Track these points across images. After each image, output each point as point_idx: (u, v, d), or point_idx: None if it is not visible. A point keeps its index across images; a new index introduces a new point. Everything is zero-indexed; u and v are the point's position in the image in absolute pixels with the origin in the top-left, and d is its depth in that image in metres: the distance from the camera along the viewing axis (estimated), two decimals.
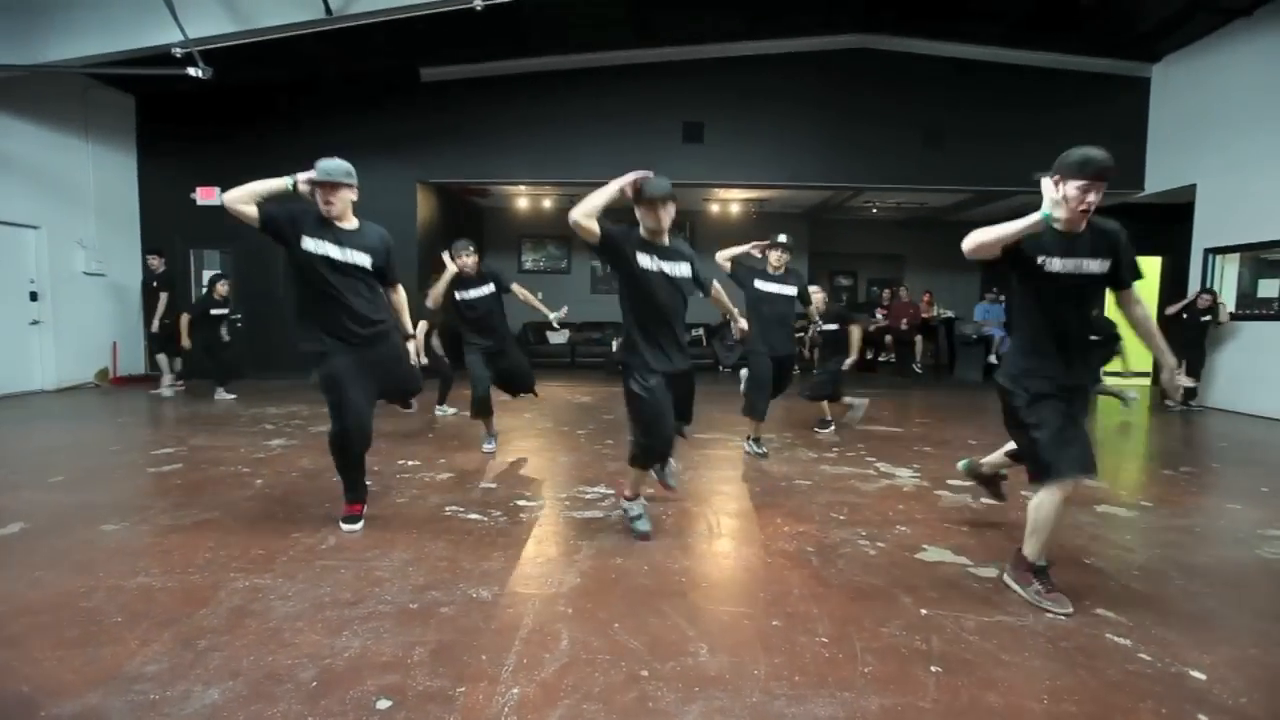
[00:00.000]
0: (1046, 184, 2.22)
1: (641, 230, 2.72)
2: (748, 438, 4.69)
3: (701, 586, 2.44)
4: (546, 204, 11.54)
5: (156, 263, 7.69)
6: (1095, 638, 2.07)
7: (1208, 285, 7.51)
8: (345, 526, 2.93)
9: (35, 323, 7.47)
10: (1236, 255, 7.51)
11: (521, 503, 3.47)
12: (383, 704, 1.66)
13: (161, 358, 7.52)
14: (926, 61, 8.69)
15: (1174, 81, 8.33)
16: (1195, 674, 1.87)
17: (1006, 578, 2.45)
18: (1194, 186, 7.84)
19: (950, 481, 3.99)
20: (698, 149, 8.90)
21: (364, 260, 2.87)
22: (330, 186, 2.77)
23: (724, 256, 4.31)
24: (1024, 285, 2.31)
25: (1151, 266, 9.76)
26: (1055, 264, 2.22)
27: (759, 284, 4.38)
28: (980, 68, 8.67)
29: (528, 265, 12.39)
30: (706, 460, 4.51)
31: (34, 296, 7.46)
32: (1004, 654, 1.97)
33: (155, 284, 7.57)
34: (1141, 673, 1.88)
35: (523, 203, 11.53)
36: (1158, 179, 8.59)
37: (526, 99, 8.89)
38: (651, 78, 8.79)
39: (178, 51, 6.06)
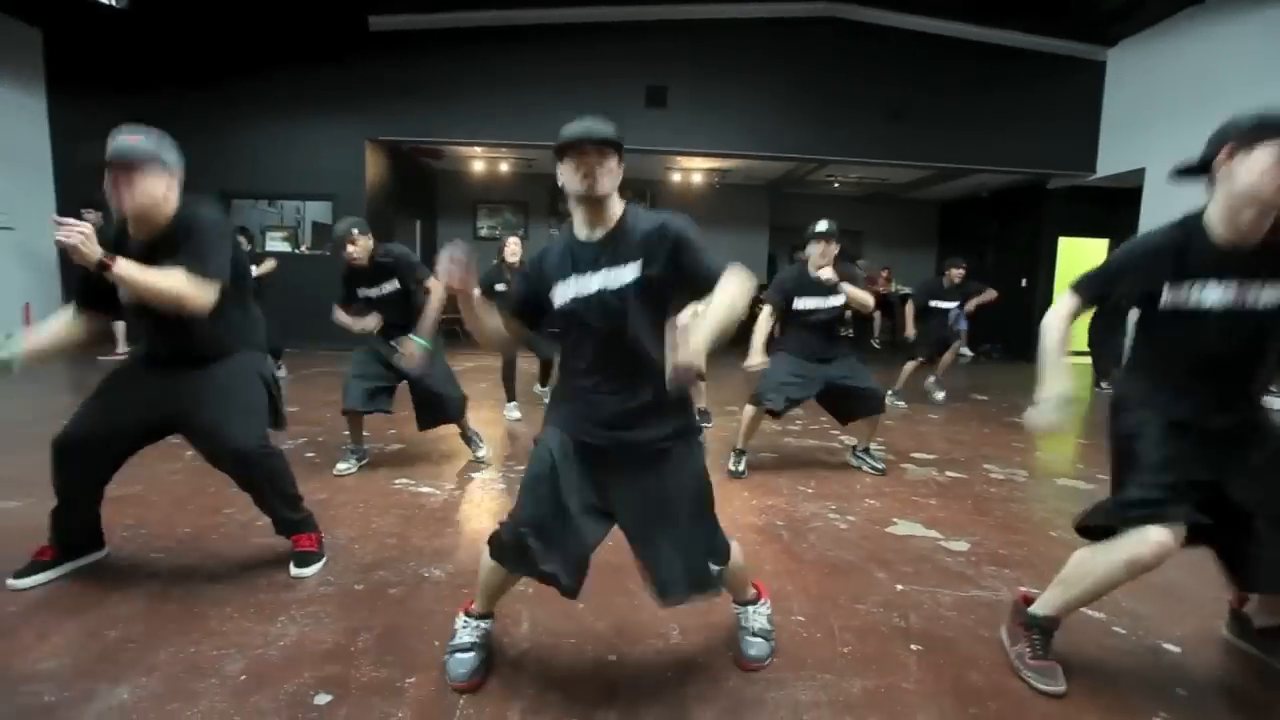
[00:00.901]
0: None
1: (574, 225, 1.56)
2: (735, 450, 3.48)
3: None
4: (503, 168, 11.12)
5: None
6: None
7: None
8: (13, 582, 1.94)
9: None
10: None
11: (478, 475, 3.29)
12: (321, 699, 1.48)
13: (119, 325, 6.93)
14: (893, 35, 8.60)
15: (1128, 66, 8.48)
16: (1169, 647, 1.86)
17: (1003, 631, 1.84)
18: (1143, 171, 8.05)
19: (914, 454, 3.98)
20: (661, 114, 8.65)
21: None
22: (121, 168, 1.77)
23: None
24: (1151, 326, 1.66)
25: (1099, 249, 10.07)
26: (1208, 294, 1.51)
27: (799, 302, 3.37)
28: (945, 44, 8.64)
29: (483, 232, 11.95)
30: None
31: None
32: (983, 629, 1.91)
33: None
34: (1118, 647, 1.86)
35: (478, 166, 11.07)
36: (1109, 162, 8.79)
37: (483, 54, 8.43)
38: (615, 37, 8.45)
39: None
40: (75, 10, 5.87)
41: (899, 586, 2.18)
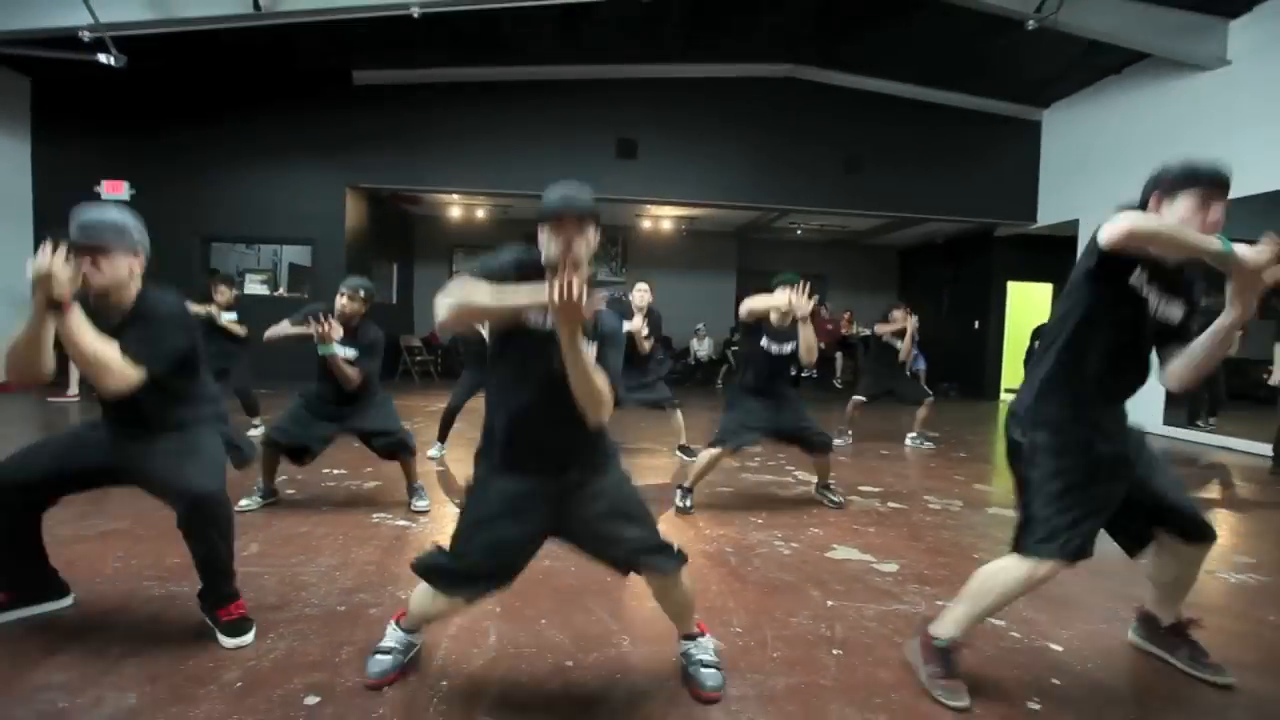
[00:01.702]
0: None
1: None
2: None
3: (626, 585, 2.53)
4: (480, 214, 11.50)
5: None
6: None
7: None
8: None
9: None
10: None
11: (451, 509, 3.49)
12: (310, 699, 1.68)
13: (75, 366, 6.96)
14: (848, 94, 9.28)
15: (1059, 126, 9.25)
16: (1054, 647, 2.14)
17: (909, 648, 1.99)
18: (1076, 221, 8.71)
19: (861, 488, 4.28)
20: (631, 165, 9.13)
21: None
22: (87, 249, 1.83)
23: (749, 308, 3.47)
24: (1102, 310, 1.71)
25: (1043, 293, 10.72)
26: (1153, 300, 1.70)
27: (764, 343, 3.56)
28: (896, 102, 9.34)
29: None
30: (634, 470, 4.64)
31: None
32: (898, 637, 2.18)
33: None
34: (1011, 648, 2.14)
35: (455, 212, 11.43)
36: (1048, 213, 9.48)
37: (461, 108, 8.88)
38: (587, 93, 8.99)
39: (86, 35, 5.76)
40: (65, 61, 6.14)
41: (830, 603, 2.44)
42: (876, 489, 4.29)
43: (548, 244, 1.59)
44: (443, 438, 4.78)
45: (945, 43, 7.77)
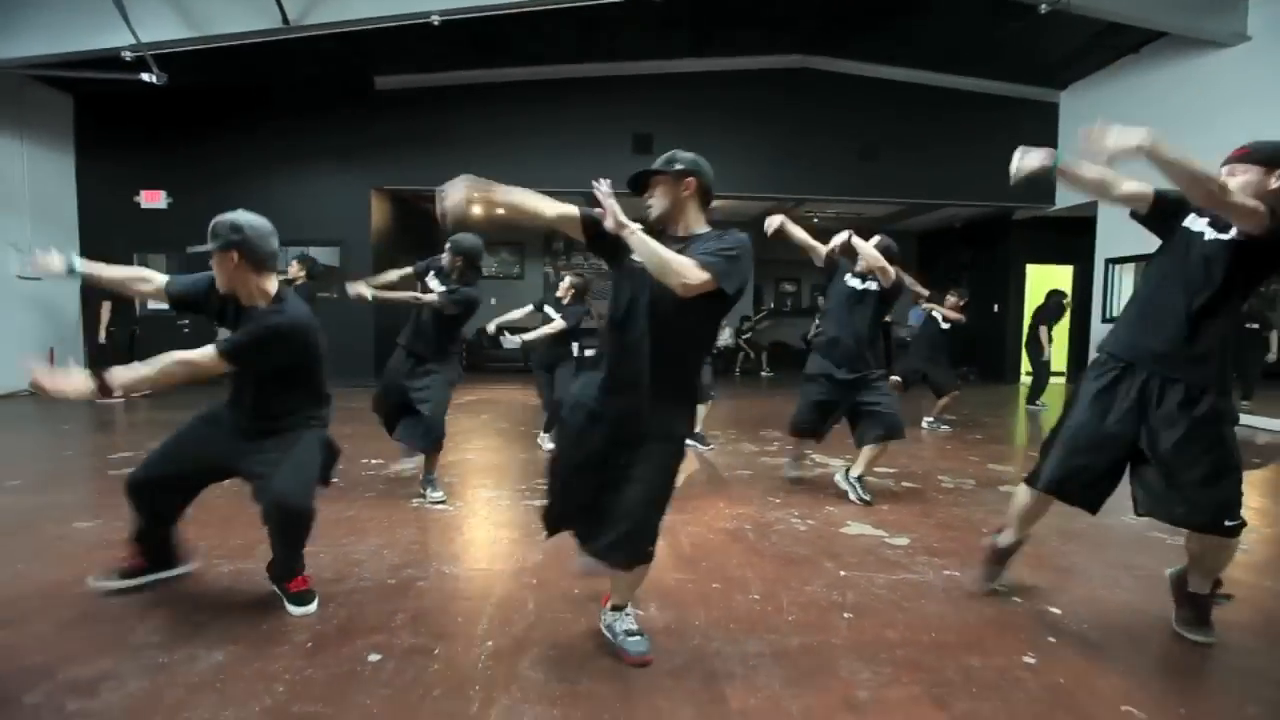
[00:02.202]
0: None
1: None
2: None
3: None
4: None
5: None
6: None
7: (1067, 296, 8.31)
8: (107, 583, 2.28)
9: None
10: (1132, 264, 8.36)
11: (484, 494, 3.71)
12: (373, 657, 1.89)
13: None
14: (861, 82, 9.29)
15: (1077, 107, 9.18)
16: (1053, 610, 2.29)
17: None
18: (1095, 203, 8.66)
19: (876, 468, 4.40)
20: (647, 159, 9.14)
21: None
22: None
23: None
24: (1161, 252, 2.08)
25: (1064, 274, 10.65)
26: (1199, 222, 1.94)
27: (850, 280, 3.80)
28: (911, 89, 9.32)
29: (482, 271, 12.51)
30: None
31: None
32: (905, 602, 2.34)
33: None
34: (1012, 611, 2.28)
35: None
36: (1066, 195, 9.42)
37: (480, 109, 9.07)
38: (602, 90, 9.12)
39: (128, 55, 6.04)
40: (108, 81, 6.45)
41: (842, 573, 2.61)
42: (891, 469, 4.42)
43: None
44: (549, 428, 4.90)
45: (958, 28, 7.76)
